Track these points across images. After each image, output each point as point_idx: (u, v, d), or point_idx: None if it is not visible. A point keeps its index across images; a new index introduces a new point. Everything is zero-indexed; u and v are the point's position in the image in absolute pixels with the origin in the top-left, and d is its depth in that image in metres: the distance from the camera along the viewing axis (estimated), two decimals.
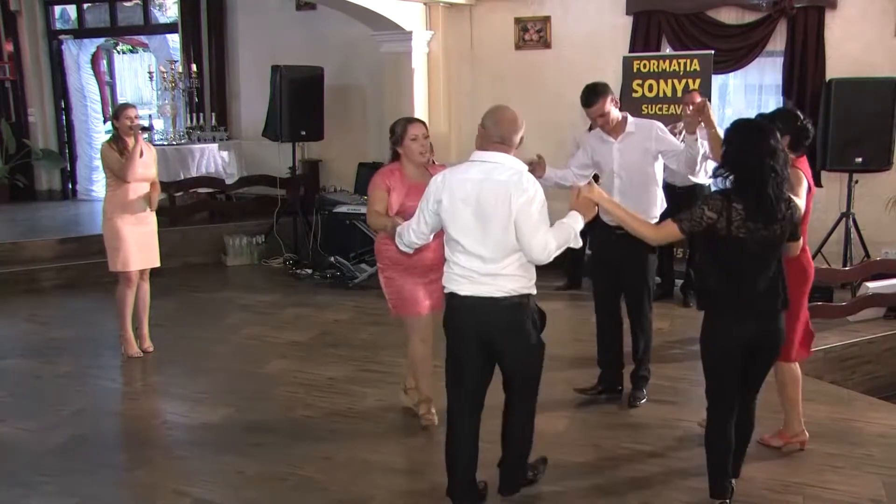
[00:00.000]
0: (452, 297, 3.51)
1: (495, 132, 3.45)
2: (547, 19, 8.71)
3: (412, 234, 3.65)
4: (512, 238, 3.35)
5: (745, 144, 3.40)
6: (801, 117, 3.54)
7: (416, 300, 4.41)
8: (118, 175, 5.64)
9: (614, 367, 5.00)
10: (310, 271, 8.39)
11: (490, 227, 3.36)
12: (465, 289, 3.45)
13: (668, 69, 7.46)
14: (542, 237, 3.31)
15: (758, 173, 3.33)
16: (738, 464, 3.82)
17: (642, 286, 4.83)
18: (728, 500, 3.67)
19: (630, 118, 4.77)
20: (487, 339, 3.48)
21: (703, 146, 4.54)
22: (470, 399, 3.58)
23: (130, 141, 5.67)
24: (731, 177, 3.42)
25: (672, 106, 7.38)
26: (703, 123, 4.41)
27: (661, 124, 4.82)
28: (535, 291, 3.52)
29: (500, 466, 3.76)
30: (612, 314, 4.96)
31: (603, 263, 4.94)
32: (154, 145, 6.73)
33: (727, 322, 3.50)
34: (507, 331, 3.47)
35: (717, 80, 7.84)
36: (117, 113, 5.74)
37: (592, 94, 4.60)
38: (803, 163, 4.01)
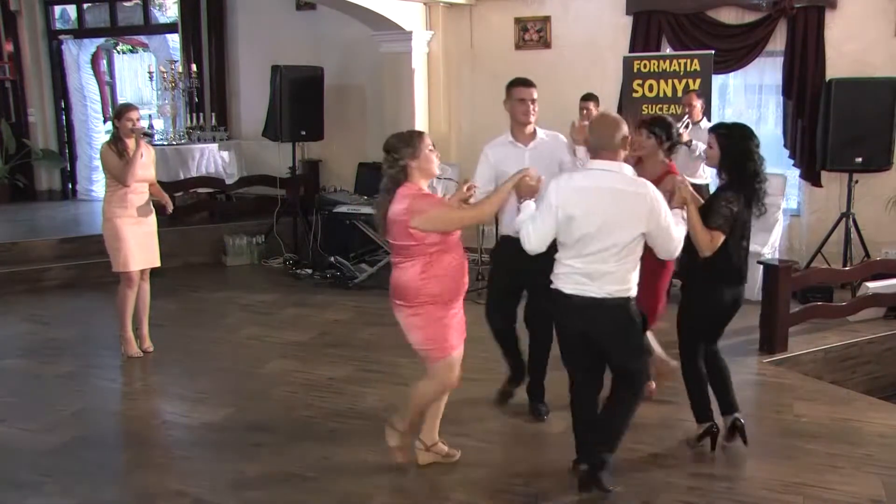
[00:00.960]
0: (559, 294, 3.70)
1: (595, 141, 3.68)
2: (547, 19, 8.72)
3: (533, 234, 3.66)
4: (630, 243, 3.59)
5: (743, 145, 4.03)
6: (676, 126, 4.39)
7: (457, 334, 3.95)
8: (118, 179, 5.63)
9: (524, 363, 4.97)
10: (310, 271, 8.39)
11: (609, 232, 3.55)
12: (570, 287, 3.66)
13: (668, 69, 7.47)
14: (677, 237, 3.71)
15: (754, 167, 4.00)
16: (732, 398, 4.30)
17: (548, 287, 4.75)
18: (714, 424, 4.23)
19: (537, 127, 4.65)
20: (593, 337, 3.72)
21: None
22: (587, 375, 3.89)
23: (130, 142, 5.66)
24: (733, 172, 4.02)
25: (672, 106, 7.38)
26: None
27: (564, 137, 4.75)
28: (635, 293, 3.70)
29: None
30: (512, 317, 4.83)
31: (508, 272, 4.68)
32: (154, 145, 6.74)
33: (727, 289, 4.12)
34: (612, 331, 3.70)
35: (717, 80, 7.84)
36: (119, 113, 5.71)
37: (530, 81, 4.58)
38: (675, 167, 4.61)
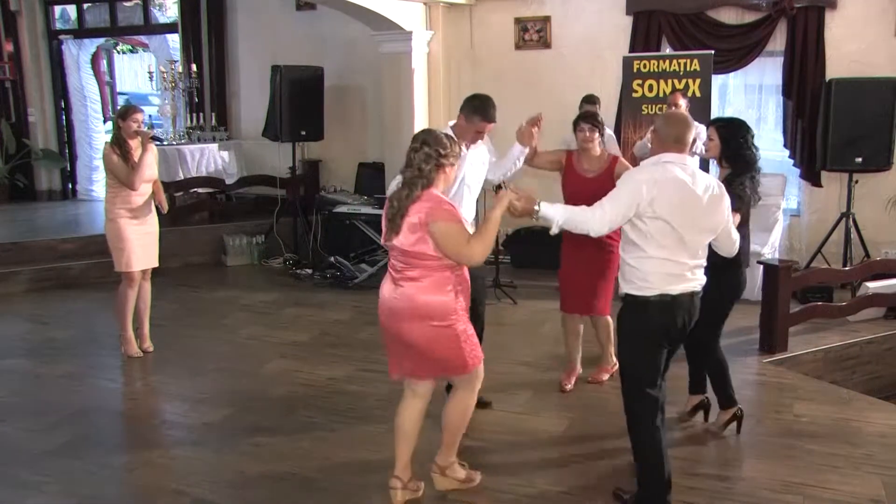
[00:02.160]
0: (662, 297, 3.50)
1: (669, 135, 3.57)
2: (547, 19, 8.71)
3: (598, 221, 3.47)
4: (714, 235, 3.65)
5: (741, 137, 4.28)
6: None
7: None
8: (123, 182, 5.61)
9: None
10: (310, 271, 8.39)
11: (705, 224, 3.55)
12: (677, 287, 3.54)
13: (668, 69, 7.46)
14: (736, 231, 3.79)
15: (751, 156, 4.28)
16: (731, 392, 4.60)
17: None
18: (740, 408, 4.53)
19: None
20: (680, 333, 3.64)
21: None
22: (658, 399, 3.62)
23: (133, 143, 5.66)
24: (733, 162, 4.25)
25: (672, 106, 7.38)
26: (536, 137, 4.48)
27: None
28: None
29: None
30: None
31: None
32: (154, 146, 6.73)
33: (741, 271, 4.37)
34: (694, 318, 3.68)
35: (717, 80, 7.84)
36: (125, 114, 5.68)
37: (495, 116, 4.36)
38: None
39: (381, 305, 3.64)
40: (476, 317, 4.30)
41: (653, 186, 3.43)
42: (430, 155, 3.42)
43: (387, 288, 3.62)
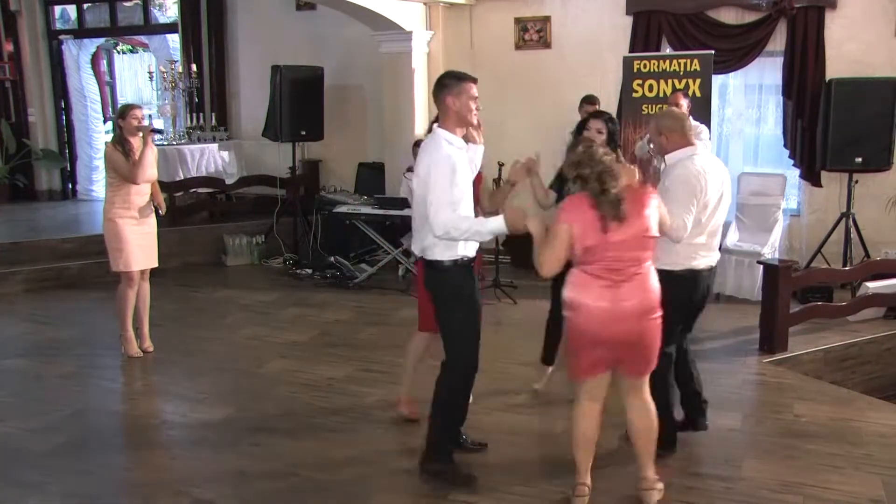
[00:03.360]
0: (693, 273, 3.96)
1: (680, 129, 3.96)
2: (547, 19, 8.71)
3: (684, 231, 3.81)
4: None
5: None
6: None
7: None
8: (125, 177, 5.62)
9: None
10: (310, 271, 8.39)
11: (726, 205, 4.03)
12: (703, 263, 3.99)
13: (668, 69, 7.46)
14: None
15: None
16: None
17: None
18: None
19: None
20: (703, 301, 4.11)
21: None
22: (672, 355, 4.11)
23: (135, 141, 5.67)
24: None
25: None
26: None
27: None
28: None
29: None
30: None
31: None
32: (154, 145, 6.74)
33: None
34: (712, 288, 4.21)
35: (717, 80, 7.84)
36: (123, 112, 5.70)
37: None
38: None
39: (603, 319, 3.39)
40: None
41: (702, 178, 3.83)
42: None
43: (607, 295, 3.38)
